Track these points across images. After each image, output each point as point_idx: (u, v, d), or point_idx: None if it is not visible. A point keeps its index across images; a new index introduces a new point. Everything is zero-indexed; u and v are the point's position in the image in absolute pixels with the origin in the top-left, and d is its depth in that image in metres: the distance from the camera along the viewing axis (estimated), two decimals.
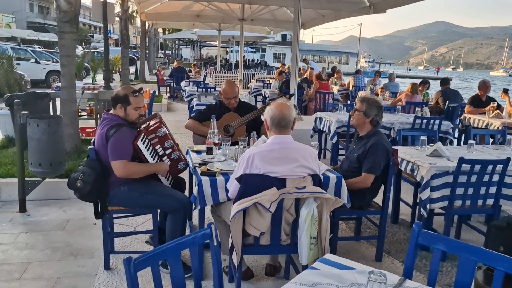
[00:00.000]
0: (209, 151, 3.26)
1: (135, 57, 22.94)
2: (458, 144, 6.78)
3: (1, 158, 4.98)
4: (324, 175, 2.80)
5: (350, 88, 11.54)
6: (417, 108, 6.56)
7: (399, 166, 3.60)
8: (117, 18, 12.43)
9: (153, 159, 2.96)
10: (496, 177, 3.29)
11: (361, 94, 9.29)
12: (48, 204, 4.22)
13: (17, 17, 39.35)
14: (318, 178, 2.52)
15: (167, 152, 3.03)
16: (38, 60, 16.10)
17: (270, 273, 3.01)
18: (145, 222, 3.83)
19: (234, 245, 2.37)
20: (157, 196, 2.89)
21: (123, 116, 2.90)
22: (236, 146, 3.11)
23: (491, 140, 4.98)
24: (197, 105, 7.20)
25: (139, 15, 13.98)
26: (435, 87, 9.49)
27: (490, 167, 3.20)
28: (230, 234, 2.40)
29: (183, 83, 11.71)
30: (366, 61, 72.84)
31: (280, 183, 2.38)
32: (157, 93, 12.71)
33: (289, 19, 11.01)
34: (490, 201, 3.39)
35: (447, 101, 7.48)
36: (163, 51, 44.59)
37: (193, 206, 2.75)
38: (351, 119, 3.44)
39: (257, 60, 37.43)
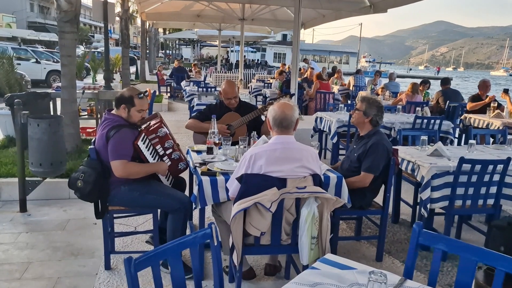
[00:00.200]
0: (209, 151, 3.26)
1: (136, 57, 22.91)
2: (459, 144, 6.78)
3: (2, 158, 4.98)
4: (324, 175, 2.81)
5: (351, 88, 11.54)
6: (417, 108, 6.56)
7: (399, 166, 3.60)
8: (117, 18, 12.43)
9: (154, 159, 2.96)
10: (496, 177, 3.29)
11: (362, 94, 9.30)
12: (49, 204, 4.22)
13: (18, 17, 39.38)
14: (318, 178, 2.52)
15: (168, 152, 3.03)
16: (38, 60, 16.10)
17: (269, 273, 3.01)
18: (145, 222, 3.83)
19: (235, 245, 2.37)
20: (158, 196, 2.89)
21: (126, 117, 2.91)
22: (237, 146, 3.11)
23: (491, 140, 4.98)
24: (197, 105, 7.20)
25: (139, 15, 13.98)
26: (436, 87, 9.49)
27: (490, 167, 3.20)
28: (231, 234, 2.40)
29: (183, 83, 11.71)
30: (366, 61, 72.81)
31: (280, 183, 2.38)
32: (157, 93, 12.71)
33: (289, 19, 11.00)
34: (490, 201, 3.39)
35: (448, 101, 7.48)
36: (163, 51, 44.60)
37: (194, 206, 2.76)
38: (351, 117, 3.45)
39: (258, 60, 37.44)
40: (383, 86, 9.94)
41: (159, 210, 3.05)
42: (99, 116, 6.91)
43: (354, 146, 3.35)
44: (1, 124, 6.05)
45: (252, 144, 3.12)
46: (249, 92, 12.22)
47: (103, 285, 2.84)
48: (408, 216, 4.20)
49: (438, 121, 5.58)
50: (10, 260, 3.13)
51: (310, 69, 12.25)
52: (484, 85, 6.83)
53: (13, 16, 38.32)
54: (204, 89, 9.03)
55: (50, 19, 43.53)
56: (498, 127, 5.65)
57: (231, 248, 2.42)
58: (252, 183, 2.39)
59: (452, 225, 3.58)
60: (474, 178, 3.23)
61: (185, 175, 3.31)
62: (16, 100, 4.11)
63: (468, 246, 1.65)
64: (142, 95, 2.93)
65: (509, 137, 4.25)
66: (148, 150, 2.92)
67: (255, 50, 43.21)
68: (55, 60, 16.62)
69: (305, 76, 11.34)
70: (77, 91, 5.68)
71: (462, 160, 3.12)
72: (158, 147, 2.99)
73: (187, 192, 3.35)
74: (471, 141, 3.89)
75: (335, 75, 12.47)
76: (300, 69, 13.35)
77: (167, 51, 45.59)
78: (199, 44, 36.38)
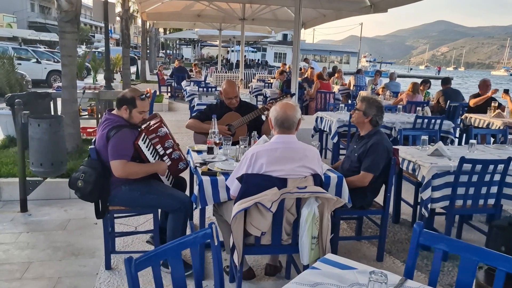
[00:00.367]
0: (210, 150, 3.26)
1: (136, 57, 22.93)
2: (459, 143, 6.78)
3: (3, 158, 4.98)
4: (325, 174, 2.80)
5: (351, 88, 11.54)
6: (418, 108, 6.55)
7: (400, 166, 3.59)
8: (118, 18, 12.41)
9: (154, 159, 2.96)
10: (497, 177, 3.28)
11: (362, 93, 9.30)
12: (49, 204, 4.22)
13: (18, 17, 39.39)
14: (319, 178, 2.51)
15: (168, 151, 3.04)
16: (39, 60, 16.11)
17: (270, 273, 3.01)
18: (146, 221, 3.83)
19: (235, 245, 2.37)
20: (158, 195, 2.90)
21: (127, 118, 2.91)
22: (237, 146, 3.11)
23: (492, 139, 4.97)
24: (198, 104, 7.20)
25: (140, 15, 13.97)
26: (437, 87, 9.48)
27: (491, 167, 3.19)
28: (231, 234, 2.40)
29: (184, 83, 11.71)
30: (367, 61, 72.79)
31: (281, 183, 2.38)
32: (158, 93, 12.72)
33: (290, 19, 11.00)
34: (491, 201, 3.38)
35: (448, 101, 7.47)
36: (164, 51, 44.61)
37: (194, 206, 2.76)
38: (351, 117, 3.45)
39: (258, 59, 37.42)
40: (384, 86, 9.93)
41: (159, 210, 3.05)
42: (99, 116, 6.91)
43: (355, 146, 3.35)
44: (1, 124, 6.05)
45: (252, 144, 3.12)
46: (250, 92, 12.22)
47: (103, 285, 2.84)
48: (409, 216, 4.20)
49: (438, 121, 5.58)
50: (10, 260, 3.13)
51: (310, 69, 12.25)
52: (485, 85, 6.82)
53: (14, 16, 38.34)
54: (205, 89, 9.03)
55: (51, 19, 43.57)
56: (499, 127, 5.64)
57: (232, 248, 2.42)
58: (253, 183, 2.39)
59: (452, 225, 3.58)
60: (474, 178, 3.23)
61: (185, 175, 3.31)
62: (16, 100, 4.11)
63: (469, 246, 1.64)
64: (144, 96, 2.94)
65: (510, 136, 4.25)
66: (148, 149, 2.92)
67: (255, 50, 43.20)
68: (55, 60, 16.62)
69: (305, 76, 11.33)
70: (78, 91, 5.68)
71: (462, 160, 3.11)
72: (158, 146, 2.99)
73: (187, 192, 3.35)
74: (471, 141, 3.89)
75: (336, 75, 12.46)
76: (300, 69, 13.35)
77: (168, 51, 45.62)
78: (199, 44, 36.36)
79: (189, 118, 4.22)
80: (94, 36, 50.45)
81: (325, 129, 5.99)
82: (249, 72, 18.13)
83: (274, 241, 2.50)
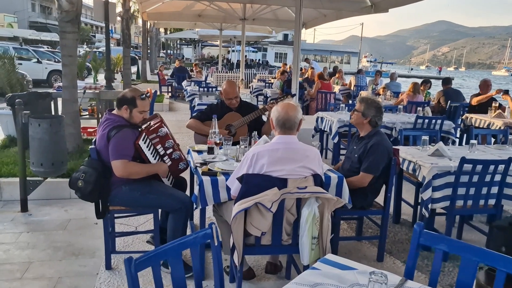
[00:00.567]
0: (210, 151, 3.26)
1: (137, 57, 22.94)
2: (460, 144, 6.77)
3: (3, 157, 4.99)
4: (325, 175, 2.80)
5: (352, 88, 11.53)
6: (418, 108, 6.55)
7: (400, 166, 3.59)
8: (118, 18, 12.43)
9: (154, 159, 2.97)
10: (498, 177, 3.28)
11: (362, 94, 9.29)
12: (50, 204, 4.23)
13: (19, 17, 39.42)
14: (319, 178, 2.51)
15: (168, 152, 3.04)
16: (40, 59, 16.12)
17: (270, 272, 3.01)
18: (146, 221, 3.84)
19: (236, 245, 2.37)
20: (159, 195, 2.90)
21: (127, 117, 2.91)
22: (238, 146, 3.10)
23: (493, 140, 4.97)
24: (198, 104, 7.20)
25: (140, 15, 13.97)
26: (437, 87, 9.47)
27: (492, 167, 3.19)
28: (231, 234, 2.40)
29: (184, 83, 11.72)
30: (367, 61, 72.76)
31: (281, 183, 2.38)
32: (158, 93, 12.73)
33: (290, 19, 10.99)
34: (492, 201, 3.38)
35: (449, 101, 7.47)
36: (164, 51, 44.63)
37: (194, 206, 2.76)
38: (351, 118, 3.45)
39: (259, 59, 37.41)
40: (385, 86, 9.93)
41: (160, 210, 3.05)
42: (100, 116, 6.91)
43: (355, 147, 3.35)
44: (2, 124, 6.06)
45: (253, 144, 3.12)
46: (250, 92, 12.22)
47: (103, 285, 2.84)
48: (409, 216, 4.20)
49: (439, 121, 5.57)
50: (11, 260, 3.13)
51: (311, 69, 12.25)
52: (485, 85, 6.82)
53: (15, 16, 38.37)
54: (205, 89, 9.04)
55: (52, 19, 43.59)
56: (500, 127, 5.64)
57: (232, 248, 2.42)
58: (253, 183, 2.39)
59: (453, 225, 3.57)
60: (475, 178, 3.23)
61: (185, 175, 3.31)
62: (17, 100, 4.12)
63: (469, 246, 1.64)
64: (144, 96, 2.94)
65: (510, 137, 4.25)
66: (149, 149, 2.92)
67: (256, 50, 43.20)
68: (56, 60, 16.64)
69: (306, 76, 11.33)
70: (78, 91, 5.68)
71: (463, 160, 3.11)
72: (158, 146, 2.99)
73: (188, 192, 3.35)
74: (472, 141, 3.89)
75: (336, 75, 12.45)
76: (301, 69, 13.34)
77: (168, 51, 45.63)
78: (200, 44, 36.38)
79: (190, 118, 4.22)
80: (94, 36, 50.48)
81: (325, 129, 5.98)
82: (250, 72, 18.13)
83: (274, 241, 2.50)
